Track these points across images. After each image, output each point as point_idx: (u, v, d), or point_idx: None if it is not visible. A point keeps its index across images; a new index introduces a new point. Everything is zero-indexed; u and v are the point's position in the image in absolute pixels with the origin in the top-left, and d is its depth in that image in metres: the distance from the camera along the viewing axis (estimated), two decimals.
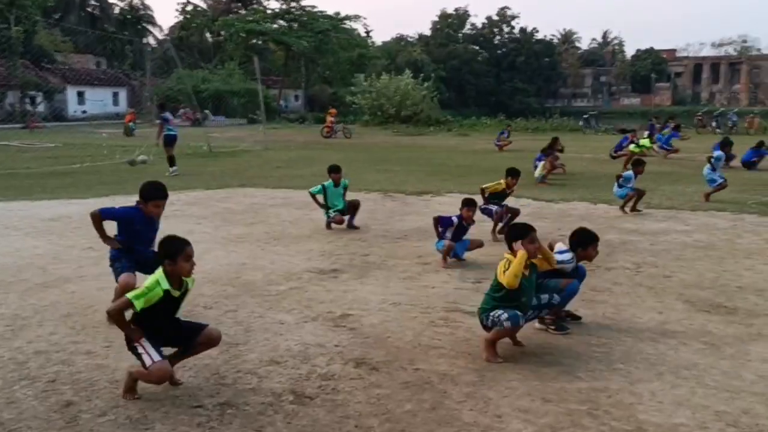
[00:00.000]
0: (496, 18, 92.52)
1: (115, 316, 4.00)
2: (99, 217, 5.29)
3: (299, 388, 4.18)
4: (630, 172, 10.76)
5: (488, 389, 4.19)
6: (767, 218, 10.13)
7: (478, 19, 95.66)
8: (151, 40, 74.51)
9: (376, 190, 13.19)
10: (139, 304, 3.91)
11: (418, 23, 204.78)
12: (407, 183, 14.44)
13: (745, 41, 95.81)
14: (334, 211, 9.35)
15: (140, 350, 3.96)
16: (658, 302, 6.01)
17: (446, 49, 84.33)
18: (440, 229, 7.42)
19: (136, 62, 62.37)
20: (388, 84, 43.57)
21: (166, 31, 75.94)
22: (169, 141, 16.42)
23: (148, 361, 3.91)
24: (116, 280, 5.27)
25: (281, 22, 66.11)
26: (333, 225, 9.33)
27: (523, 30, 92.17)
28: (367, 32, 79.89)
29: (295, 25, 64.50)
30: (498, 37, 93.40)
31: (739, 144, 18.89)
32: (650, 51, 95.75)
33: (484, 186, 8.95)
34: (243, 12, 71.49)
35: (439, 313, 5.71)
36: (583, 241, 5.37)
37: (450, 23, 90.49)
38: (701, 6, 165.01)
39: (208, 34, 75.46)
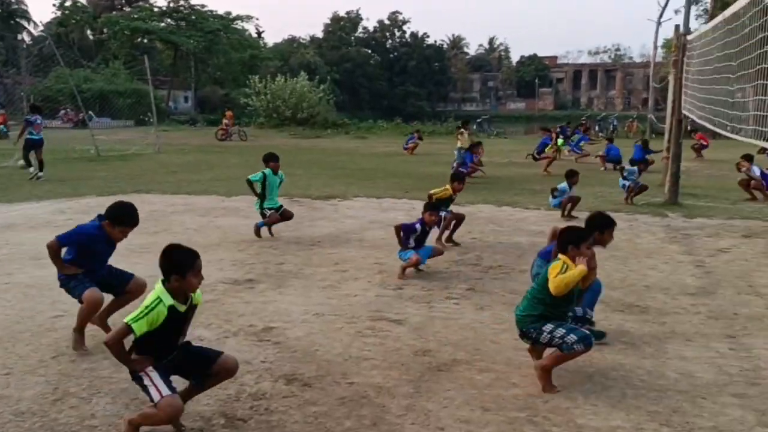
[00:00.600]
0: (387, 22, 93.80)
1: (115, 348, 3.45)
2: (57, 247, 4.74)
3: (230, 410, 3.92)
4: (565, 185, 10.78)
5: (427, 401, 4.10)
6: (658, 218, 10.72)
7: (370, 22, 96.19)
8: (26, 37, 69.87)
9: (281, 194, 12.83)
10: (139, 328, 3.38)
11: (310, 25, 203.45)
12: (312, 187, 14.22)
13: (618, 50, 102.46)
14: (269, 208, 8.99)
15: (146, 381, 3.43)
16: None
17: (339, 51, 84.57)
18: (403, 238, 7.11)
19: (9, 59, 58.21)
20: (284, 86, 43.00)
21: (42, 27, 71.37)
22: (31, 145, 15.55)
23: (155, 396, 3.38)
24: (79, 300, 4.80)
25: (169, 20, 63.90)
26: (262, 230, 8.95)
27: (414, 35, 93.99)
28: (259, 33, 78.66)
29: (184, 24, 62.54)
30: (390, 41, 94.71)
31: (624, 146, 20.11)
32: (534, 58, 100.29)
33: (432, 192, 8.74)
34: (128, 9, 68.44)
35: (365, 322, 5.58)
36: (601, 224, 5.08)
37: (342, 26, 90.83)
38: (579, 16, 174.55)
39: (89, 32, 71.60)
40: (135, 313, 3.44)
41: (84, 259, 4.86)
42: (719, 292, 6.57)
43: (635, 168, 11.84)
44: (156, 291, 3.54)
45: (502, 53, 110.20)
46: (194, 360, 3.70)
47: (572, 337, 4.06)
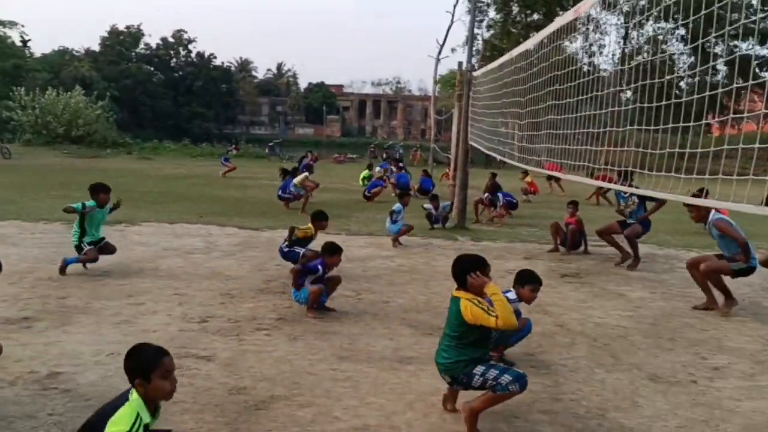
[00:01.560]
0: (172, 40, 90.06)
1: None
2: None
3: None
4: (399, 205, 10.89)
5: None
6: (450, 242, 11.32)
7: (152, 39, 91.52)
8: None
9: (57, 219, 11.56)
10: None
11: (85, 37, 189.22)
12: None
13: (399, 82, 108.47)
14: (89, 243, 7.96)
15: None
16: (386, 329, 6.19)
17: (118, 67, 79.35)
18: (300, 280, 6.56)
19: None
20: (56, 100, 39.25)
21: None
22: None
23: None
24: None
25: None
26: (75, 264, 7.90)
27: (200, 55, 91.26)
28: (24, 42, 71.25)
29: None
30: (174, 60, 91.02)
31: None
32: (321, 85, 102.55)
33: (294, 227, 8.33)
34: None
35: None
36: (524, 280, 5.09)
37: (122, 41, 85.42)
38: (363, 48, 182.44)
39: None
40: None
41: None
42: None
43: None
44: (131, 404, 2.94)
45: (291, 79, 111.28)
46: None
47: (506, 378, 3.89)
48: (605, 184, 11.34)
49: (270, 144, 41.88)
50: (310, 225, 8.30)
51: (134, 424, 2.84)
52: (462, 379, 4.06)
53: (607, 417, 4.37)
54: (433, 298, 7.39)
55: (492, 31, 52.31)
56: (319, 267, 6.55)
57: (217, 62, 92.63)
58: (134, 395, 2.99)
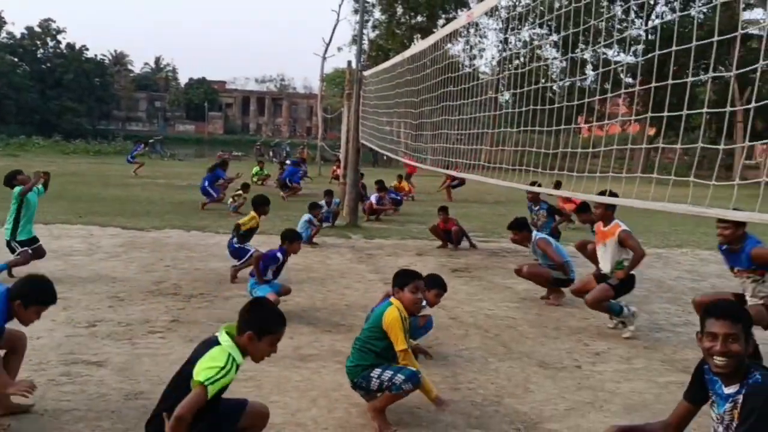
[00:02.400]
0: (38, 30, 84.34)
1: (186, 421, 2.90)
2: None
3: None
4: (310, 215, 10.89)
5: None
6: (343, 240, 11.41)
7: (16, 28, 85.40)
8: None
9: None
10: (213, 391, 2.95)
11: None
12: None
13: (283, 80, 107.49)
14: (21, 241, 7.48)
15: None
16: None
17: None
18: (261, 269, 6.34)
19: None
20: None
21: None
22: None
23: None
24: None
25: None
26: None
27: (70, 46, 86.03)
28: None
29: None
30: (41, 51, 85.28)
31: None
32: (203, 81, 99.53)
33: (239, 222, 8.12)
34: None
35: (58, 368, 4.83)
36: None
37: None
38: (246, 44, 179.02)
39: None
40: (210, 373, 2.97)
41: None
42: None
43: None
44: (226, 347, 3.10)
45: (170, 74, 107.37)
46: (223, 416, 3.25)
47: (400, 377, 4.01)
48: (455, 174, 11.77)
49: (150, 141, 40.23)
50: (253, 214, 8.16)
51: (227, 361, 3.03)
52: (361, 383, 4.17)
53: (502, 403, 4.60)
54: (329, 296, 7.45)
55: (377, 32, 53.02)
56: (279, 255, 6.63)
57: (90, 54, 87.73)
58: (226, 339, 3.14)
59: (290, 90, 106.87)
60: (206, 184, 15.38)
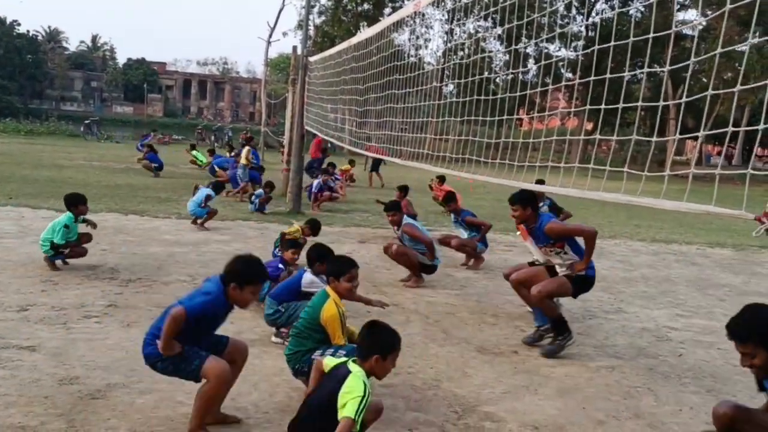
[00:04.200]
0: None
1: None
2: (184, 319, 3.54)
3: None
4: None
5: None
6: (286, 226, 11.32)
7: None
8: None
9: None
10: (359, 422, 3.06)
11: None
12: None
13: (226, 63, 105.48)
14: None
15: None
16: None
17: None
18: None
19: None
20: None
21: None
22: None
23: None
24: (194, 378, 3.64)
25: None
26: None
27: (0, 20, 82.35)
28: None
29: None
30: None
31: None
32: (142, 62, 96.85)
33: (284, 231, 8.07)
34: None
35: None
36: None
37: None
38: (189, 25, 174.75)
39: None
40: (355, 405, 3.06)
41: (193, 333, 3.66)
42: None
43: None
44: (357, 375, 3.21)
45: (107, 53, 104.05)
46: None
47: (343, 352, 3.99)
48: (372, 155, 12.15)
49: (86, 122, 38.96)
50: (297, 227, 8.12)
51: (365, 389, 3.14)
52: (302, 368, 4.15)
53: (441, 387, 4.69)
54: None
55: (323, 18, 52.58)
56: (281, 265, 6.51)
57: (22, 30, 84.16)
58: (355, 368, 3.24)
59: (233, 74, 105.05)
60: (239, 172, 15.05)
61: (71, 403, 3.99)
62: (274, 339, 5.43)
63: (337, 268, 4.30)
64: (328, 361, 3.46)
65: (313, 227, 8.18)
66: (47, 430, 3.64)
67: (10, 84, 78.42)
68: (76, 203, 7.36)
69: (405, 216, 8.11)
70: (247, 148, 15.88)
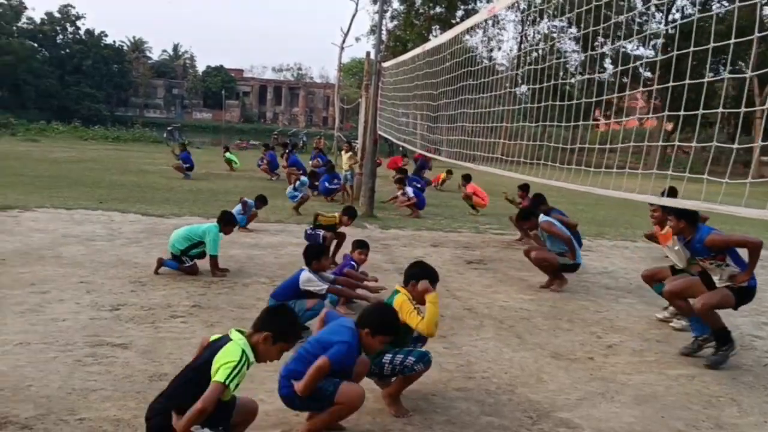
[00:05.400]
0: (58, 15, 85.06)
1: (208, 412, 3.03)
2: (327, 370, 3.64)
3: None
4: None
5: None
6: (359, 230, 11.50)
7: (36, 13, 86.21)
8: None
9: None
10: (233, 387, 3.10)
11: None
12: None
13: (300, 69, 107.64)
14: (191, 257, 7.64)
15: None
16: None
17: None
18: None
19: None
20: None
21: None
22: None
23: None
24: (330, 404, 3.66)
25: None
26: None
27: (89, 32, 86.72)
28: None
29: None
30: (61, 37, 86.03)
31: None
32: (220, 69, 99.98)
33: (318, 213, 8.74)
34: None
35: (83, 349, 4.98)
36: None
37: (1, 14, 79.83)
38: (264, 33, 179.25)
39: None
40: (227, 370, 3.08)
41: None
42: None
43: (306, 179, 14.56)
44: (238, 344, 3.20)
45: (188, 61, 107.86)
46: (219, 412, 3.21)
47: (411, 359, 4.11)
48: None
49: (168, 128, 40.55)
50: (336, 214, 8.53)
51: (241, 356, 3.12)
52: (374, 370, 4.19)
53: (516, 392, 4.69)
54: None
55: (396, 22, 52.89)
56: (353, 263, 6.87)
57: (109, 41, 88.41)
58: (239, 337, 3.23)
59: (307, 79, 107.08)
60: (326, 183, 15.57)
61: None
62: None
63: (420, 272, 4.43)
64: (213, 337, 3.45)
65: (351, 215, 8.49)
66: (140, 423, 3.85)
67: (98, 93, 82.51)
68: (229, 223, 7.72)
69: (541, 215, 8.11)
70: (349, 153, 16.21)
